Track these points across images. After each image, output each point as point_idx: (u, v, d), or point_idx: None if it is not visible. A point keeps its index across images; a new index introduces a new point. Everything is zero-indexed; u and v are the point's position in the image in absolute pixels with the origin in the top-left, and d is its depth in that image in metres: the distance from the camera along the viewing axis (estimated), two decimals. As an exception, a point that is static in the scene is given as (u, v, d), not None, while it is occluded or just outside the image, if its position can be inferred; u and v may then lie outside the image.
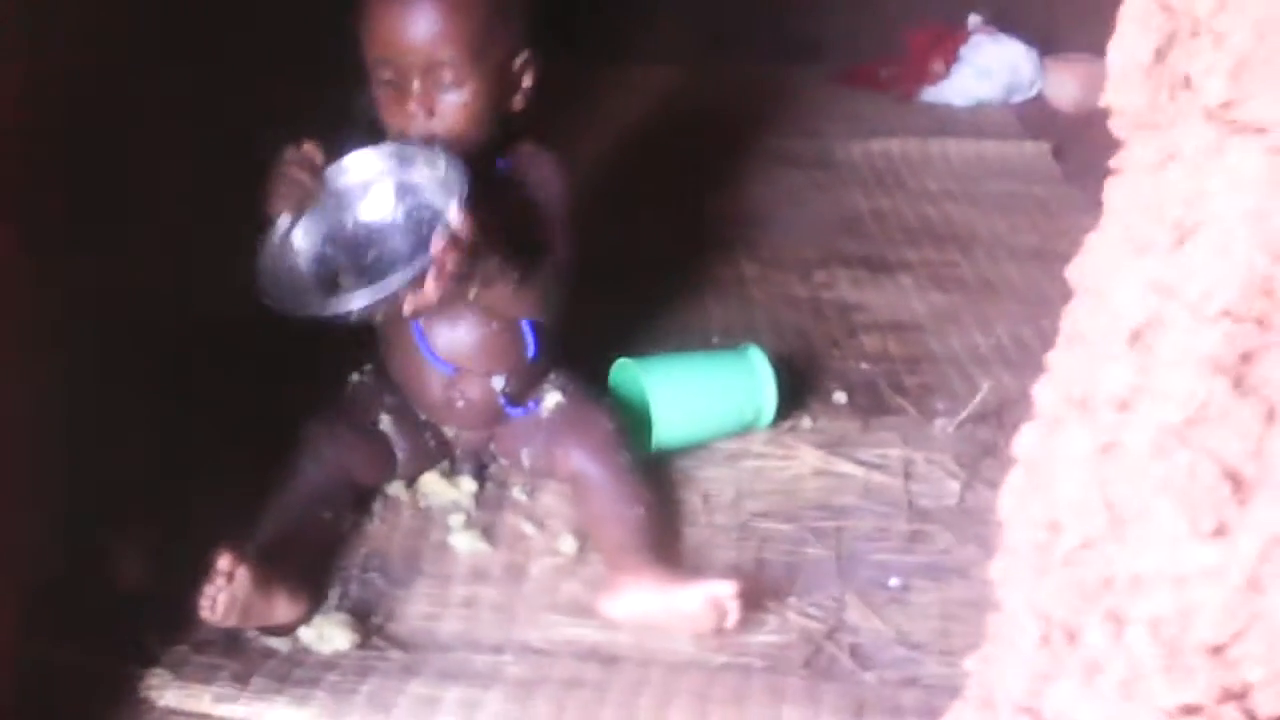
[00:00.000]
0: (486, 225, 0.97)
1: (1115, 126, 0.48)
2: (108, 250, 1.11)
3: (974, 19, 2.33)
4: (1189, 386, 0.44)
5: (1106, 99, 0.47)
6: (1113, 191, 0.49)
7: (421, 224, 1.06)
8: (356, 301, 0.98)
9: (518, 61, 1.10)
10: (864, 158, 2.04)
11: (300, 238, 1.06)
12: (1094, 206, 1.89)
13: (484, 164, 1.07)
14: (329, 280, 1.06)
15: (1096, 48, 1.95)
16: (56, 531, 1.04)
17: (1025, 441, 0.55)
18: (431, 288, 0.94)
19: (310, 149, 1.06)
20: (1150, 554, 0.47)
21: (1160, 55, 0.44)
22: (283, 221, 1.06)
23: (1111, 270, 0.48)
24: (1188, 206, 0.45)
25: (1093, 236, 0.52)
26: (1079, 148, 2.09)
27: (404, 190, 1.07)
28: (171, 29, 1.18)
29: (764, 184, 1.94)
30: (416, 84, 1.05)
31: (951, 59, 2.27)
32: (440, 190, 1.03)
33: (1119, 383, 0.47)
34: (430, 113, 1.06)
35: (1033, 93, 2.29)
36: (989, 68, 2.25)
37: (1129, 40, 0.44)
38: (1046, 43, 2.33)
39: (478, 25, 1.05)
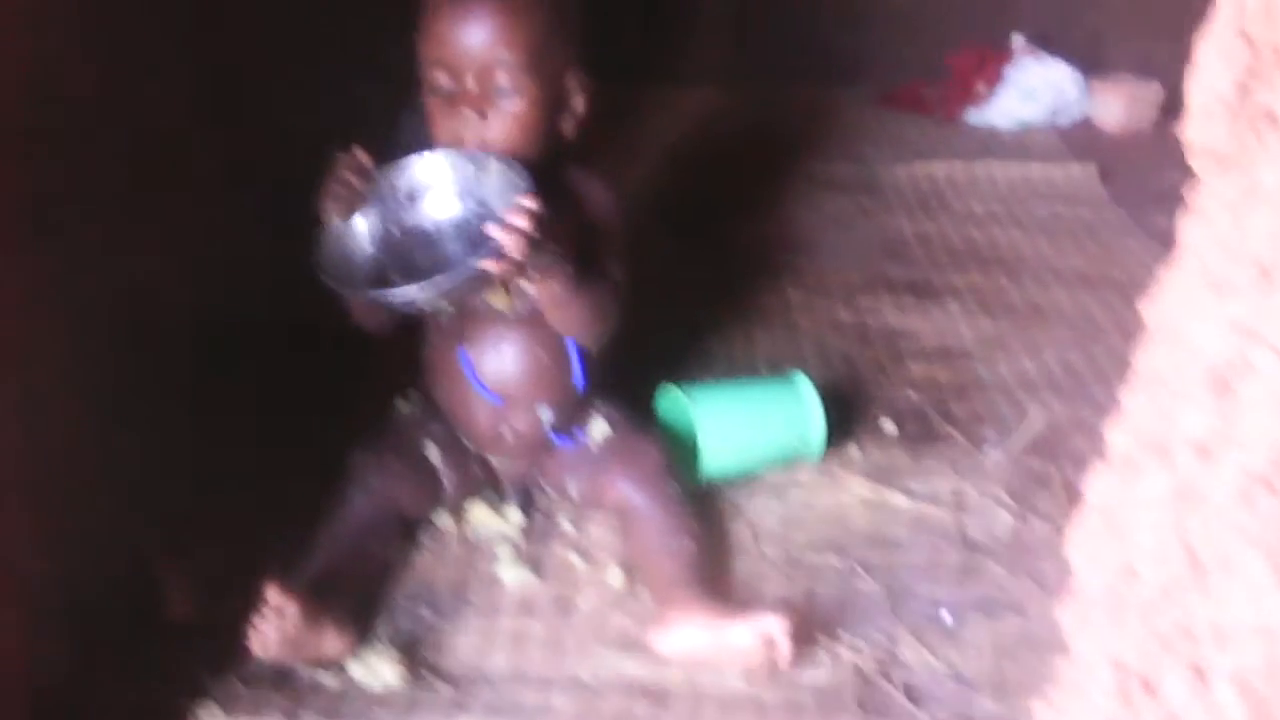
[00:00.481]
0: (547, 219, 0.99)
1: (1194, 163, 0.47)
2: (144, 269, 1.12)
3: (1017, 39, 2.31)
4: (1276, 432, 0.42)
5: (1186, 134, 0.46)
6: (1189, 229, 0.48)
7: (477, 230, 1.06)
8: (417, 291, 0.98)
9: (570, 80, 1.10)
10: (908, 181, 2.02)
11: (355, 234, 1.07)
12: (1141, 229, 1.87)
13: (538, 183, 1.07)
14: (381, 277, 1.07)
15: (1142, 68, 1.94)
16: (105, 563, 1.04)
17: (1098, 485, 0.53)
18: (501, 262, 0.97)
19: (360, 153, 1.07)
20: (1235, 605, 0.46)
21: (1242, 89, 0.43)
22: (338, 226, 1.06)
23: (1189, 310, 0.46)
24: (1272, 245, 0.43)
25: (1168, 274, 0.50)
26: (1125, 169, 2.07)
27: (463, 195, 1.08)
28: (186, 29, 1.18)
29: (808, 208, 1.93)
30: (472, 83, 1.05)
31: (995, 80, 2.25)
32: (500, 199, 1.03)
33: (1199, 427, 0.46)
34: (484, 116, 1.06)
35: (1078, 114, 2.27)
36: (1033, 89, 2.23)
37: (1209, 74, 0.43)
38: (1091, 64, 2.31)
39: (537, 33, 1.05)
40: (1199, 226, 0.47)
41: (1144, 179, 2.04)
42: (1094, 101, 2.26)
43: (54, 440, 0.94)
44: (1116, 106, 2.22)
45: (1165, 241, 1.84)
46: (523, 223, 0.98)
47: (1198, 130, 0.45)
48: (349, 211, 1.07)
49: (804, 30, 2.39)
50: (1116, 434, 0.52)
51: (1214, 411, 0.46)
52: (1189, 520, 0.48)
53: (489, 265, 0.98)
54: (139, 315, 1.09)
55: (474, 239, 1.06)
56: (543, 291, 1.05)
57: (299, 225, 1.07)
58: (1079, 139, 2.21)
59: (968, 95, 2.26)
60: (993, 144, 2.19)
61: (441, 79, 1.06)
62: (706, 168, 2.04)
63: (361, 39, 1.65)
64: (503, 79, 1.05)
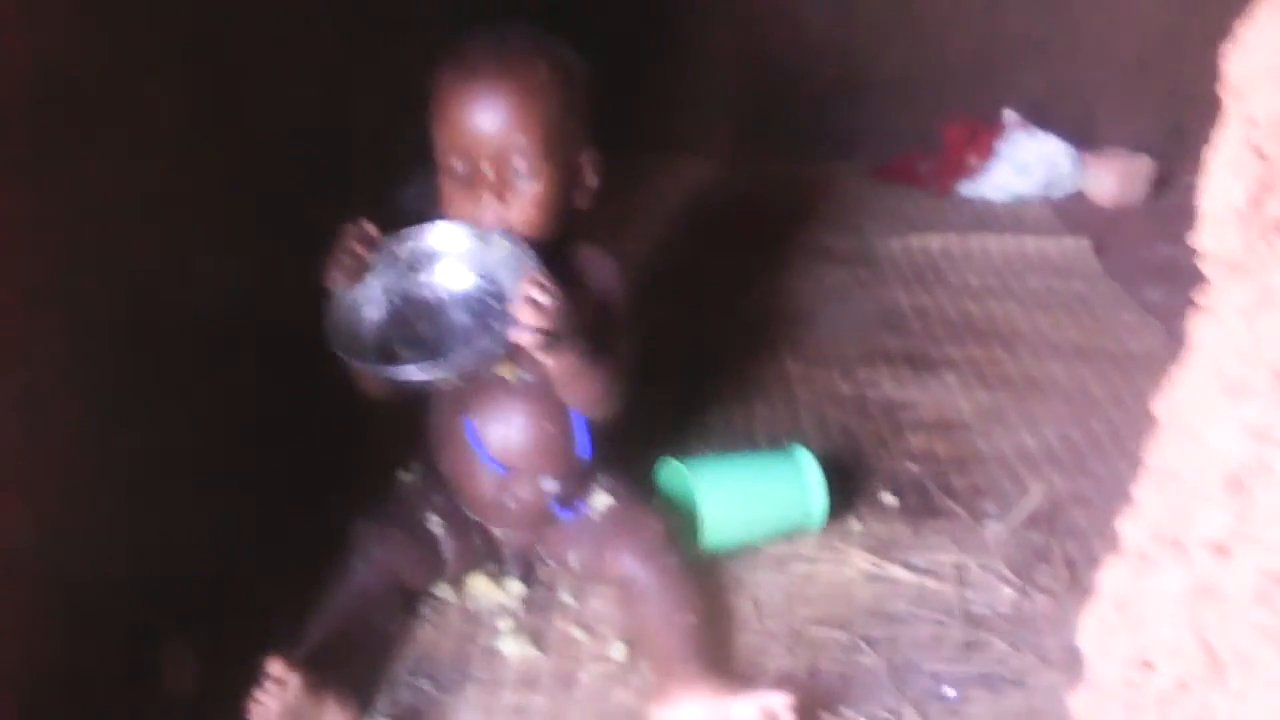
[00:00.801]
0: (562, 296, 1.01)
1: (1207, 268, 0.48)
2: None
3: (1010, 114, 2.35)
4: (1293, 534, 0.43)
5: (1199, 242, 0.47)
6: (1201, 330, 0.49)
7: (483, 303, 1.08)
8: (424, 371, 1.00)
9: (584, 158, 1.12)
10: (904, 253, 2.05)
11: (360, 303, 1.08)
12: (1135, 303, 1.89)
13: (547, 260, 1.08)
14: (385, 346, 1.08)
15: (1134, 143, 1.97)
16: (103, 638, 1.03)
17: (1110, 576, 0.54)
18: (526, 339, 1.00)
19: (367, 224, 1.09)
20: (1254, 701, 0.46)
21: (1254, 201, 0.44)
22: (341, 295, 1.07)
23: (1203, 410, 0.48)
24: (1285, 351, 0.44)
25: (1179, 372, 0.52)
26: (1118, 243, 2.10)
27: (469, 267, 1.09)
28: (194, 34, 1.19)
29: (805, 279, 1.95)
30: (489, 169, 1.06)
31: (987, 153, 2.28)
32: (508, 274, 1.05)
33: (1216, 526, 0.47)
34: (502, 199, 1.07)
35: (1070, 188, 2.30)
36: (1027, 163, 2.26)
37: (1222, 185, 0.44)
38: (1084, 138, 2.35)
39: (552, 116, 1.06)
40: (1212, 329, 0.48)
41: (1136, 253, 2.07)
42: (1086, 175, 2.29)
43: (54, 439, 0.94)
44: (1109, 180, 2.26)
45: (1160, 315, 1.87)
46: (541, 299, 0.99)
47: (1210, 238, 0.46)
48: (355, 280, 1.08)
49: (800, 102, 2.43)
50: (1129, 527, 0.53)
51: (1230, 511, 0.46)
52: (1206, 616, 0.48)
53: (500, 344, 1.00)
54: (139, 315, 1.08)
55: (480, 312, 1.07)
56: (555, 366, 1.06)
57: (301, 228, 1.08)
58: (1071, 212, 2.24)
59: (961, 168, 2.30)
60: (986, 217, 2.22)
61: (458, 165, 1.08)
62: (703, 237, 2.06)
63: (363, 46, 1.67)
64: (520, 164, 1.06)
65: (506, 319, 1.01)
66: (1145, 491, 0.54)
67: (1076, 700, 0.59)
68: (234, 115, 1.27)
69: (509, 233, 1.07)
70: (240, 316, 1.28)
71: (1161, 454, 0.53)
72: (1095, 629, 0.57)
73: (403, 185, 1.95)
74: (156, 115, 1.09)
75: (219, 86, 1.23)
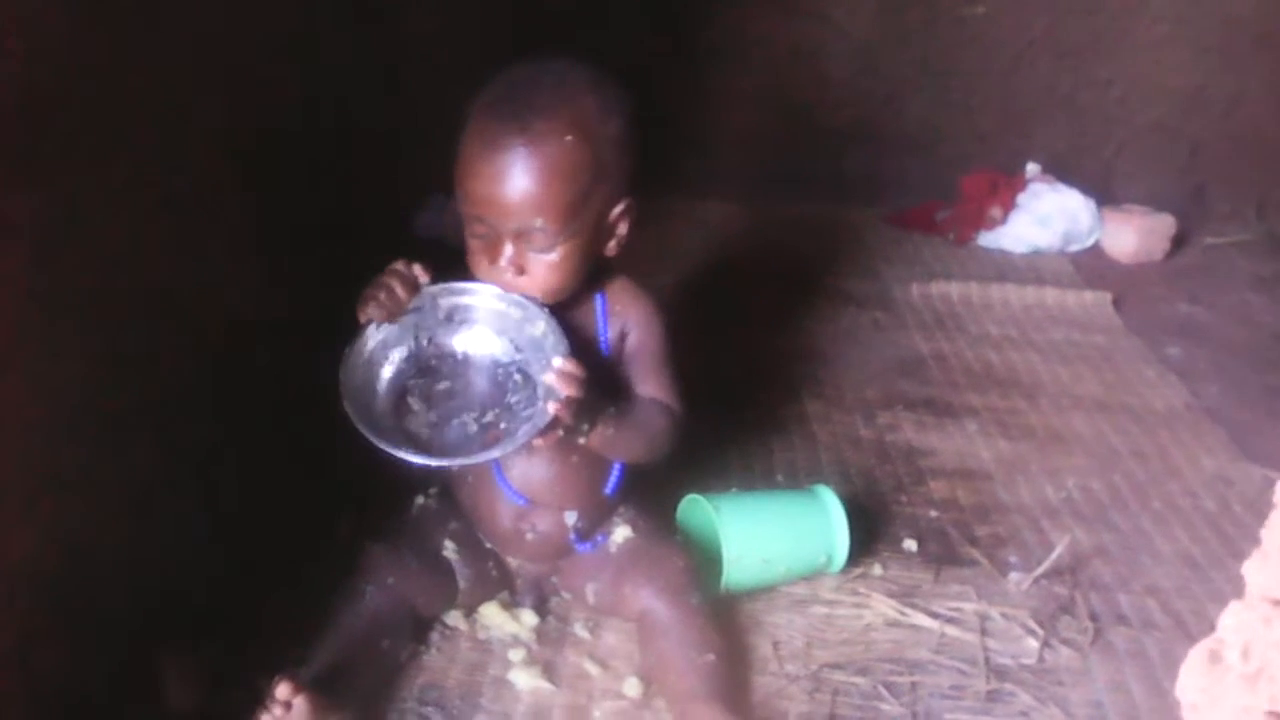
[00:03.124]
0: (590, 377, 1.01)
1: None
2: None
3: (1032, 167, 2.35)
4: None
5: None
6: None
7: (506, 375, 1.06)
8: (436, 463, 1.01)
9: (615, 211, 1.08)
10: (923, 300, 2.03)
11: (383, 347, 1.06)
12: (1155, 359, 1.87)
13: (578, 301, 1.08)
14: (399, 394, 1.06)
15: (1154, 201, 1.98)
16: (108, 653, 1.00)
17: (1234, 624, 0.50)
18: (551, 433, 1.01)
19: (419, 269, 1.07)
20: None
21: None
22: (371, 330, 1.05)
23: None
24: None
25: None
26: (1136, 298, 2.08)
27: (501, 334, 1.07)
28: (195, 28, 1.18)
29: (824, 322, 1.93)
30: (509, 247, 1.04)
31: (1010, 205, 2.27)
32: (536, 353, 1.04)
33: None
34: (520, 271, 1.05)
35: (1089, 242, 2.29)
36: (1048, 216, 2.25)
37: None
38: (1104, 195, 2.34)
39: (575, 187, 1.02)
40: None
41: (1155, 309, 2.05)
42: (1106, 231, 2.28)
43: (58, 450, 0.91)
44: (1128, 237, 2.25)
45: (1180, 372, 1.84)
46: (571, 389, 0.99)
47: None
48: (385, 318, 1.06)
49: (819, 149, 2.43)
50: (1255, 573, 0.49)
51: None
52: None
53: (512, 443, 1.01)
54: (151, 325, 1.07)
55: (499, 382, 1.06)
56: (591, 440, 1.06)
57: (308, 236, 1.06)
58: (1090, 267, 2.23)
59: (981, 219, 2.29)
60: (1006, 268, 2.21)
61: (479, 229, 1.05)
62: (723, 279, 2.05)
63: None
64: (539, 240, 1.04)
65: (526, 398, 1.03)
66: (1276, 534, 0.50)
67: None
68: (241, 117, 1.26)
69: (545, 310, 1.05)
70: (252, 329, 1.27)
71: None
72: (1203, 678, 0.54)
73: (420, 209, 1.95)
74: (162, 115, 1.08)
75: (231, 90, 1.23)
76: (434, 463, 1.01)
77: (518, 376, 1.05)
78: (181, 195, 1.11)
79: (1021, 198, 2.29)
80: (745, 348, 1.80)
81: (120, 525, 1.00)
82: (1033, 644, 1.18)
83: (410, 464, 0.99)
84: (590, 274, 1.09)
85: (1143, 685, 1.13)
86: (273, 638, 1.08)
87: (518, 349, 1.06)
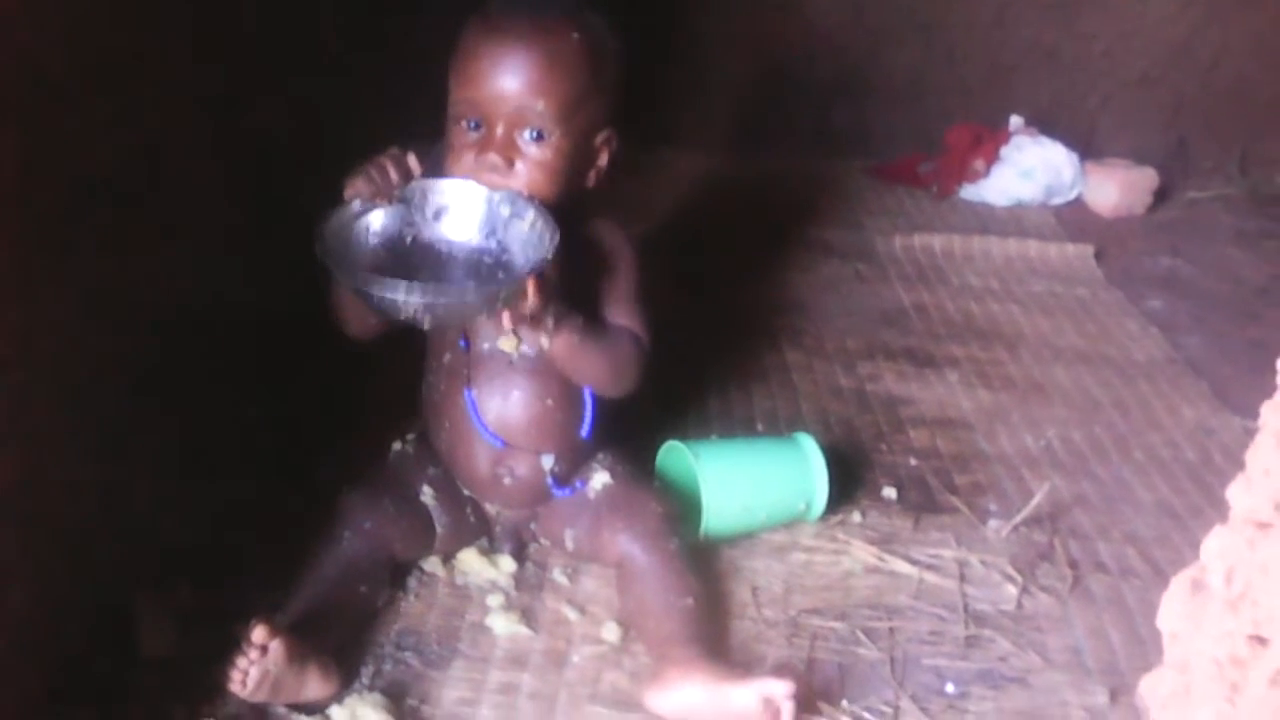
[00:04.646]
0: (564, 277, 1.00)
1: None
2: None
3: (1015, 120, 2.33)
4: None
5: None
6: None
7: (487, 267, 1.04)
8: (405, 293, 0.94)
9: (600, 135, 1.09)
10: (904, 251, 2.02)
11: (368, 223, 1.04)
12: (1137, 311, 1.87)
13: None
14: (377, 272, 1.03)
15: (1137, 155, 1.98)
16: (81, 594, 0.99)
17: (1218, 548, 0.50)
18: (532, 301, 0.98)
19: (413, 158, 1.06)
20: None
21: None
22: (356, 206, 1.03)
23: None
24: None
25: None
26: (1118, 252, 2.08)
27: (485, 229, 1.06)
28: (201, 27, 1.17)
29: (805, 272, 1.92)
30: (501, 130, 1.04)
31: (993, 158, 2.26)
32: (521, 247, 1.03)
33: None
34: (510, 164, 1.04)
35: (1072, 195, 2.28)
36: (1031, 169, 2.24)
37: None
38: (1087, 148, 2.33)
39: (576, 86, 1.04)
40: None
41: (1137, 262, 2.05)
42: (1089, 184, 2.27)
43: (41, 458, 0.90)
44: (1111, 190, 2.24)
45: (1161, 325, 1.85)
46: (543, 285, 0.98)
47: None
48: (371, 198, 1.04)
49: (801, 100, 2.40)
50: (1240, 495, 0.49)
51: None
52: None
53: (485, 303, 0.98)
54: (134, 324, 1.05)
55: (481, 275, 1.04)
56: (553, 345, 1.05)
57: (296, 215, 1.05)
58: (1072, 220, 2.22)
59: (964, 172, 2.28)
60: (988, 220, 2.20)
61: (470, 118, 1.05)
62: (705, 229, 2.03)
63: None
64: (535, 126, 1.04)
65: (501, 285, 1.00)
66: (1261, 455, 0.50)
67: (1152, 683, 0.55)
68: (240, 118, 1.25)
69: (542, 209, 1.03)
70: (234, 289, 1.25)
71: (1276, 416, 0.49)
72: (1185, 606, 0.53)
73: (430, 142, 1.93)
74: (160, 115, 1.07)
75: (226, 88, 1.21)
76: (418, 299, 0.95)
77: (501, 275, 1.03)
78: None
79: (1005, 151, 2.27)
80: (727, 297, 1.79)
81: (93, 467, 0.99)
82: (1011, 590, 1.18)
83: (395, 304, 0.95)
84: (568, 208, 1.08)
85: (1120, 631, 1.13)
86: (249, 582, 1.07)
87: (503, 248, 1.05)
